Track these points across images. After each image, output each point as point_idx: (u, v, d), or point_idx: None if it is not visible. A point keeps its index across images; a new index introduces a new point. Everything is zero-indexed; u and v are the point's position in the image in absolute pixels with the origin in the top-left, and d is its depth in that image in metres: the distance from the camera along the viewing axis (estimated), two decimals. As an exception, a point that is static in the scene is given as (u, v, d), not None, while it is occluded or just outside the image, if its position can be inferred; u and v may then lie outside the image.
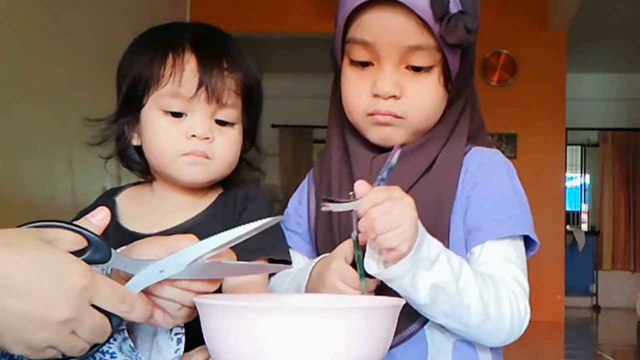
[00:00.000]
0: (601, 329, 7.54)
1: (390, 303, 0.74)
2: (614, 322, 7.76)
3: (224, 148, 1.01)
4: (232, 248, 0.89)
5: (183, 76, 0.98)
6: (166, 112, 0.99)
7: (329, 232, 1.04)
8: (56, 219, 0.73)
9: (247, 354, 0.66)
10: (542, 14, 6.36)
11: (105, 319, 0.70)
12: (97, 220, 0.76)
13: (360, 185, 0.84)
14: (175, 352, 0.82)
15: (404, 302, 0.75)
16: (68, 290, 0.66)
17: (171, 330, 0.83)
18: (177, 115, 0.99)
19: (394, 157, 0.87)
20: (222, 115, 1.00)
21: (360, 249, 0.89)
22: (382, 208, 0.82)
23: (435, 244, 0.88)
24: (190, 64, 0.98)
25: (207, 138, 0.99)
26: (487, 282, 0.91)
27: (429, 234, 0.88)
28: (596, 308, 8.40)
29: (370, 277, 0.89)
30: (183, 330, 0.83)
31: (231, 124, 1.02)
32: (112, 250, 0.73)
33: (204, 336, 0.71)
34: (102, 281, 0.69)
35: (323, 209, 0.86)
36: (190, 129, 0.98)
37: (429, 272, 0.86)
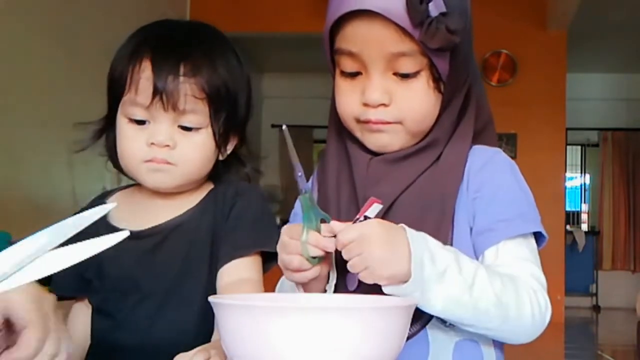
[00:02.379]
0: (601, 329, 7.54)
1: (404, 303, 0.75)
2: (614, 322, 7.77)
3: (187, 153, 1.01)
4: (225, 242, 0.87)
5: (140, 85, 0.97)
6: (131, 119, 1.00)
7: None
8: None
9: (263, 353, 0.66)
10: (542, 14, 6.36)
11: None
12: None
13: (333, 226, 0.86)
14: None
15: (417, 302, 0.75)
16: None
17: None
18: (141, 122, 1.00)
19: (369, 211, 0.88)
20: (185, 121, 1.00)
21: (310, 208, 0.87)
22: (353, 250, 0.84)
23: (443, 257, 0.88)
24: (146, 72, 0.98)
25: (168, 145, 0.99)
26: (505, 283, 0.91)
27: (437, 247, 0.88)
28: (596, 308, 8.40)
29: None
30: None
31: (196, 129, 1.01)
32: None
33: (220, 335, 0.72)
34: None
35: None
36: (150, 137, 0.99)
37: (440, 286, 0.86)
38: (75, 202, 3.30)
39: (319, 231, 0.87)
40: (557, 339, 5.91)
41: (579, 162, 9.13)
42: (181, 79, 0.98)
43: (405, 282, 0.84)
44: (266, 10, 6.13)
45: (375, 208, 0.87)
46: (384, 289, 0.86)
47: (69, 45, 3.39)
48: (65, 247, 0.64)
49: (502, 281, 0.91)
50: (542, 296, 0.94)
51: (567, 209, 7.98)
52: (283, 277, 1.06)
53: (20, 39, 3.00)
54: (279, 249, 0.91)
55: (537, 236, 1.02)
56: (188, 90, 0.98)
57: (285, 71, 7.98)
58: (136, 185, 1.10)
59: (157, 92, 0.96)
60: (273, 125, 8.31)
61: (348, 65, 0.99)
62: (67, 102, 3.30)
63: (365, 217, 0.87)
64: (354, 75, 0.99)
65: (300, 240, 0.86)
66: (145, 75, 0.97)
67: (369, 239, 0.84)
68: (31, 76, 3.09)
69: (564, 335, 6.20)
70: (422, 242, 0.87)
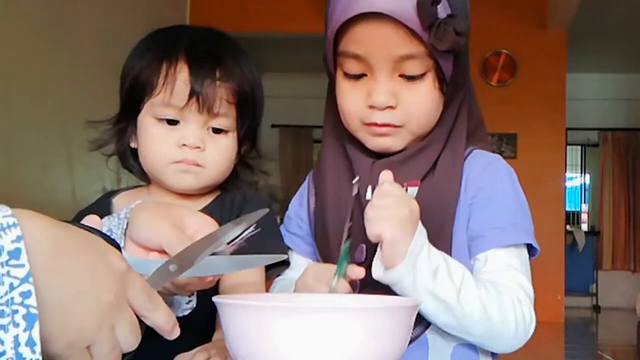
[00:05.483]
0: (601, 329, 7.55)
1: (408, 303, 0.75)
2: (614, 322, 7.77)
3: (215, 156, 1.02)
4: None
5: (175, 86, 0.98)
6: (160, 119, 1.00)
7: (325, 234, 1.04)
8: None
9: (267, 352, 0.67)
10: (542, 14, 6.36)
11: (136, 318, 0.62)
12: (93, 225, 0.72)
13: (385, 174, 0.90)
14: (187, 302, 0.83)
15: (420, 302, 0.75)
16: (111, 271, 0.59)
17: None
18: (172, 122, 1.00)
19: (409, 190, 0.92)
20: (216, 123, 1.01)
21: (347, 256, 0.90)
22: (388, 200, 0.87)
23: (436, 254, 0.90)
24: (182, 73, 0.99)
25: (198, 147, 1.00)
26: (490, 291, 0.92)
27: (431, 246, 0.90)
28: (596, 308, 8.40)
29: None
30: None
31: (225, 132, 1.03)
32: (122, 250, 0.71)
33: (224, 335, 0.72)
34: (133, 271, 0.63)
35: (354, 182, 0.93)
36: (181, 138, 0.99)
37: (431, 282, 0.88)
38: (75, 202, 3.29)
39: (344, 276, 0.89)
40: (557, 339, 5.91)
41: (579, 162, 9.13)
42: (217, 83, 0.99)
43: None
44: (266, 10, 6.13)
45: (412, 190, 0.91)
46: (381, 272, 0.88)
47: (69, 45, 3.39)
48: (228, 257, 0.75)
49: (486, 289, 0.92)
50: (527, 307, 0.94)
51: (567, 209, 7.98)
52: (277, 280, 1.07)
53: (20, 39, 3.00)
54: (300, 284, 0.93)
55: (530, 248, 1.02)
56: (223, 94, 1.00)
57: (285, 71, 7.98)
58: (141, 186, 1.11)
59: (193, 94, 0.98)
60: (273, 125, 8.31)
61: (353, 67, 0.98)
62: (67, 102, 3.30)
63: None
64: (358, 77, 0.99)
65: (330, 286, 0.88)
66: (181, 77, 0.98)
67: (410, 200, 0.88)
68: (31, 76, 3.09)
69: (564, 335, 6.21)
70: (424, 236, 0.89)
